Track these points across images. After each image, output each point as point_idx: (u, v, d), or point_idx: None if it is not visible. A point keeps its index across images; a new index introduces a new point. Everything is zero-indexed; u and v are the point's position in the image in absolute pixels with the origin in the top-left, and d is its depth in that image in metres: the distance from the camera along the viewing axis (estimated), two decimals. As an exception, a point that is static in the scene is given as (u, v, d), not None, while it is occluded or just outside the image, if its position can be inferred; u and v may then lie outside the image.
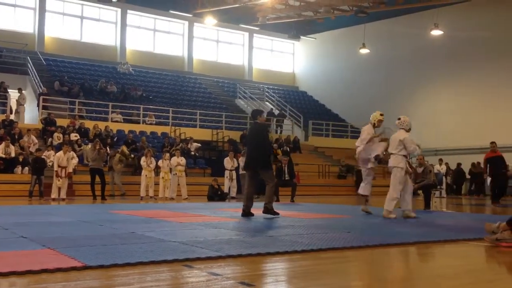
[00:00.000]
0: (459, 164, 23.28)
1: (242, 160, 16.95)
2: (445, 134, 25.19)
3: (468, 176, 23.23)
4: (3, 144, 15.64)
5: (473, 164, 22.88)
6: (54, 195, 13.79)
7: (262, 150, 8.37)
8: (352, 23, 28.56)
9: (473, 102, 24.84)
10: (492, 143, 12.83)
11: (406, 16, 27.19)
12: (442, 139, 25.10)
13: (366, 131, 9.11)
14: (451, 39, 25.58)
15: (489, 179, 13.32)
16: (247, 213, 8.16)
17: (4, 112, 19.58)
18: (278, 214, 8.11)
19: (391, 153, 8.47)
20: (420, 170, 11.09)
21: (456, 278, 3.63)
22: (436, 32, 25.13)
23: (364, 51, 27.75)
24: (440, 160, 22.42)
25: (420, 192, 12.45)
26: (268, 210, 8.12)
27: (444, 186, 21.00)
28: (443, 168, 21.88)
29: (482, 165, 10.93)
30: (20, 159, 15.75)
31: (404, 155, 8.25)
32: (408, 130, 8.39)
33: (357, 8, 25.57)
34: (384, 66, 28.69)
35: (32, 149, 16.59)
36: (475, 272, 3.94)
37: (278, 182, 14.79)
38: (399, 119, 8.56)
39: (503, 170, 12.88)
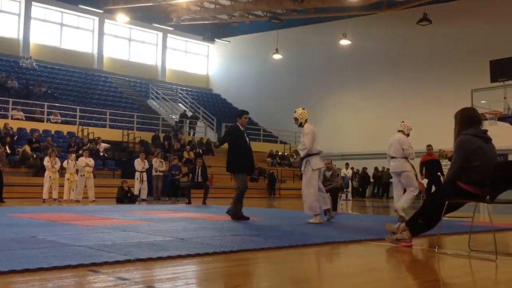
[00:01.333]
0: (364, 169, 24.57)
1: (155, 161, 16.66)
2: (350, 139, 26.43)
3: (371, 180, 24.64)
4: None
5: (376, 169, 24.31)
6: None
7: (237, 153, 8.18)
8: (266, 28, 29.13)
9: (376, 110, 26.28)
10: (428, 146, 12.92)
11: (318, 25, 28.22)
12: (348, 144, 26.32)
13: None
14: (358, 49, 26.93)
15: (425, 181, 13.44)
16: (239, 217, 8.07)
17: None
18: (248, 218, 8.06)
19: (394, 157, 8.56)
20: (328, 174, 11.50)
21: (356, 277, 3.81)
22: (345, 42, 26.34)
23: (277, 56, 28.40)
24: (347, 164, 23.49)
25: (328, 195, 12.89)
26: (236, 215, 8.06)
27: (350, 189, 21.98)
28: (349, 172, 22.94)
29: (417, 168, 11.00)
30: None
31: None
32: (407, 135, 8.73)
33: (271, 14, 26.13)
34: (296, 72, 29.55)
35: None
36: (375, 270, 4.15)
37: (191, 184, 14.76)
38: (403, 122, 8.92)
39: (438, 173, 13.00)
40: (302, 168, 7.97)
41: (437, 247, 4.97)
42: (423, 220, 4.97)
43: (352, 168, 23.77)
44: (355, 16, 26.01)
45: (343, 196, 19.68)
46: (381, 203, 19.11)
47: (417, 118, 24.70)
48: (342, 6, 24.35)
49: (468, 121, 4.89)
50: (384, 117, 24.94)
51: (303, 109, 8.23)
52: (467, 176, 4.72)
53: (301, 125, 8.06)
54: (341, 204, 14.78)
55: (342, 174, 20.88)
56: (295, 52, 29.40)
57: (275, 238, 5.73)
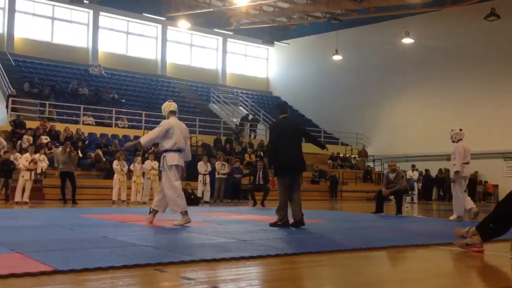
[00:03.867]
0: (427, 170, 23.79)
1: (218, 164, 16.93)
2: (414, 140, 25.65)
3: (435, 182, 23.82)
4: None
5: (439, 170, 23.45)
6: (17, 198, 13.47)
7: (301, 151, 7.45)
8: (325, 29, 28.89)
9: (440, 110, 25.35)
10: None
11: (378, 24, 27.64)
12: (412, 146, 25.56)
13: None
14: (421, 47, 26.13)
15: None
16: (285, 223, 7.13)
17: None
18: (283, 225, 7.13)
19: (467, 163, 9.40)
20: (392, 176, 11.24)
21: (425, 282, 3.69)
22: (407, 40, 25.65)
23: (337, 57, 28.08)
24: (413, 166, 22.85)
25: (392, 197, 12.62)
26: (303, 222, 7.11)
27: (416, 192, 21.37)
28: (415, 174, 22.30)
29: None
30: (-13, 162, 15.33)
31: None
32: (453, 141, 9.55)
33: (330, 15, 25.88)
34: (357, 73, 29.08)
35: (1, 151, 16.17)
36: (444, 276, 4.01)
37: (253, 187, 14.88)
38: (452, 130, 9.67)
39: None
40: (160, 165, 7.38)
41: (510, 253, 4.73)
42: (495, 224, 4.75)
43: (417, 170, 23.08)
44: (417, 13, 25.27)
45: (408, 199, 19.17)
46: (448, 206, 18.41)
47: (486, 119, 23.74)
48: (404, 4, 23.72)
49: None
50: (448, 118, 24.07)
51: (169, 102, 7.51)
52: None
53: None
54: (406, 207, 14.38)
55: (408, 176, 20.40)
56: (355, 53, 28.95)
57: (338, 241, 5.66)
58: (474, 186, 23.27)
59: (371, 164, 26.77)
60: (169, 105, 7.37)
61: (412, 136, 25.85)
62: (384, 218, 10.09)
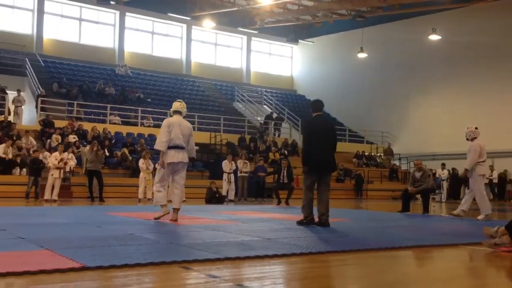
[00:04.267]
0: (454, 169, 23.37)
1: (240, 163, 16.98)
2: (441, 138, 25.22)
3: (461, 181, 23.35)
4: (4, 145, 15.62)
5: (466, 169, 22.95)
6: (46, 196, 13.77)
7: (335, 151, 7.45)
8: (350, 27, 28.65)
9: (468, 107, 24.86)
10: None
11: (404, 21, 27.27)
12: (439, 144, 25.13)
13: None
14: (448, 44, 25.69)
15: None
16: (310, 220, 7.13)
17: (2, 113, 19.55)
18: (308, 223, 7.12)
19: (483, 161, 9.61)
20: (418, 174, 11.09)
21: (452, 282, 3.63)
22: (434, 37, 25.24)
23: (362, 55, 27.83)
24: (443, 164, 22.47)
25: (418, 196, 12.45)
26: (327, 222, 7.02)
27: (443, 190, 21.03)
28: (444, 173, 21.93)
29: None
30: (18, 161, 15.71)
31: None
32: (467, 139, 9.74)
33: (355, 13, 25.66)
34: (382, 71, 28.76)
35: (31, 150, 16.56)
36: (472, 276, 3.94)
37: (277, 185, 14.87)
38: (467, 128, 9.86)
39: None
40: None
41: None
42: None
43: (446, 168, 22.70)
44: (444, 10, 24.84)
45: (436, 197, 18.90)
46: (476, 205, 18.05)
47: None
48: (430, 0, 23.37)
49: None
50: (476, 116, 23.59)
51: (175, 102, 8.04)
52: None
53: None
54: (433, 206, 14.18)
55: (436, 175, 20.09)
56: (380, 50, 28.63)
57: (363, 240, 5.62)
58: (504, 185, 22.78)
59: (397, 162, 26.46)
60: (173, 106, 7.89)
61: (439, 134, 25.43)
62: (411, 217, 9.97)
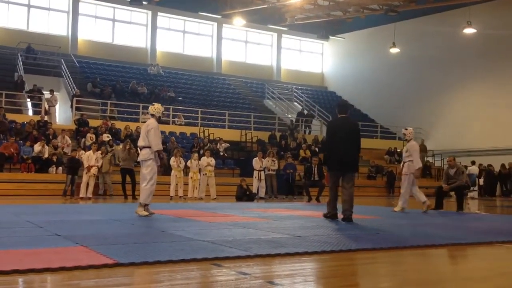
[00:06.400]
0: (489, 165, 22.79)
1: (268, 161, 16.96)
2: (476, 134, 24.65)
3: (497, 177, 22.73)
4: (39, 144, 16.07)
5: (502, 165, 22.36)
6: (82, 193, 14.10)
7: (358, 152, 7.75)
8: (382, 22, 28.24)
9: (505, 102, 24.21)
10: None
11: (438, 15, 26.72)
12: (474, 140, 24.56)
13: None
14: (484, 37, 25.03)
15: None
16: (332, 216, 7.59)
17: (38, 113, 20.10)
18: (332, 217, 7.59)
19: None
20: (452, 171, 10.87)
21: (487, 281, 3.55)
22: (469, 31, 24.64)
23: (394, 50, 27.41)
24: (473, 162, 21.97)
25: (452, 193, 12.21)
26: (349, 218, 7.36)
27: (477, 187, 20.55)
28: (475, 169, 21.42)
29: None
30: (54, 159, 16.13)
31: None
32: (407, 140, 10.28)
33: (387, 7, 25.27)
34: (415, 66, 28.26)
35: (66, 149, 16.98)
36: (508, 275, 3.85)
37: (307, 183, 14.82)
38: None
39: None
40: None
41: None
42: None
43: (480, 165, 22.15)
44: (479, 2, 24.21)
45: (470, 195, 18.48)
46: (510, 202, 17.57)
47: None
48: (465, -8, 22.84)
49: None
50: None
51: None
52: None
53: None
54: (468, 203, 13.87)
55: (470, 172, 19.63)
56: (413, 45, 28.13)
57: (395, 238, 5.55)
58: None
59: (430, 159, 25.97)
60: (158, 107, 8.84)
61: (474, 130, 24.84)
62: (444, 214, 9.79)
